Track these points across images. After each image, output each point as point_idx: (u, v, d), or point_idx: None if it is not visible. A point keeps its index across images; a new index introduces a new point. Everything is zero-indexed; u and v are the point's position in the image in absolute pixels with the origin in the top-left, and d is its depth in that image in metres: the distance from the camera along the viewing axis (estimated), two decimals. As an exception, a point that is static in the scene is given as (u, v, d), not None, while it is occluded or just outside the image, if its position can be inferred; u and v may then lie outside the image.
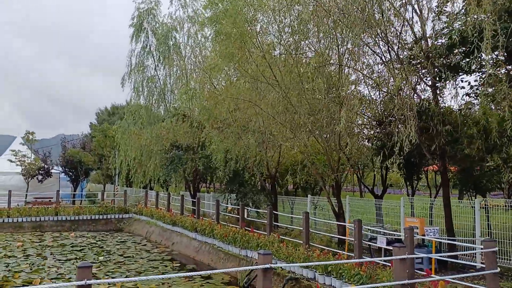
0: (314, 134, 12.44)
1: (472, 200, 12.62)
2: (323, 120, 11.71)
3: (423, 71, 11.03)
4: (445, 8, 10.44)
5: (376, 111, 12.94)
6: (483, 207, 11.33)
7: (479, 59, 8.92)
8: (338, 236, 12.85)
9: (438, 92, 10.90)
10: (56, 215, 22.11)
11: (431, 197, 15.67)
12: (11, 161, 28.24)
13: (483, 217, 11.19)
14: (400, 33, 10.44)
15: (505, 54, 9.20)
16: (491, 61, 9.08)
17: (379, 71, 11.83)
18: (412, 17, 10.24)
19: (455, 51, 10.27)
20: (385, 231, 11.56)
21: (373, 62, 11.67)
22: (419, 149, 10.82)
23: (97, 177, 40.52)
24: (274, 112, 12.45)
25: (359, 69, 11.64)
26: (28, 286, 11.04)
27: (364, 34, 10.09)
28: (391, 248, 9.45)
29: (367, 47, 10.98)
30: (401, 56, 10.73)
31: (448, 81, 10.24)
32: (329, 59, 11.86)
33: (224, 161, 16.86)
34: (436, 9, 10.44)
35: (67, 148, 33.87)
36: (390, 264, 8.36)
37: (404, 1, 10.02)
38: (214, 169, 18.44)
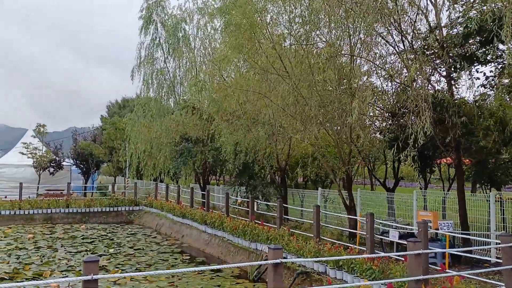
0: (324, 126, 12.25)
1: (486, 193, 12.35)
2: (334, 112, 11.50)
3: (438, 61, 10.76)
4: (461, -4, 10.13)
5: (389, 102, 12.70)
6: (497, 201, 11.06)
7: (496, 49, 8.64)
8: (349, 230, 12.70)
9: (453, 83, 10.62)
10: (67, 207, 22.27)
11: (443, 190, 15.40)
12: (22, 153, 28.45)
13: (497, 210, 10.93)
14: (415, 22, 10.17)
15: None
16: (508, 51, 8.79)
17: (392, 61, 11.59)
18: (427, 5, 9.94)
19: (470, 41, 9.98)
20: (397, 224, 11.38)
21: (386, 53, 11.44)
22: (433, 141, 10.57)
23: (108, 169, 40.69)
24: (284, 104, 12.26)
25: (371, 59, 11.42)
26: (38, 278, 11.08)
27: (377, 23, 9.84)
28: (403, 242, 9.31)
29: (380, 37, 10.74)
30: (415, 46, 10.46)
31: (463, 72, 9.96)
32: (341, 50, 11.61)
33: (233, 153, 16.78)
34: (452, -3, 10.14)
35: (78, 141, 33.98)
36: (403, 259, 8.20)
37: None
38: (224, 161, 18.37)
